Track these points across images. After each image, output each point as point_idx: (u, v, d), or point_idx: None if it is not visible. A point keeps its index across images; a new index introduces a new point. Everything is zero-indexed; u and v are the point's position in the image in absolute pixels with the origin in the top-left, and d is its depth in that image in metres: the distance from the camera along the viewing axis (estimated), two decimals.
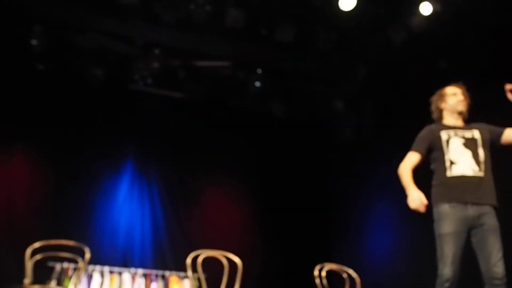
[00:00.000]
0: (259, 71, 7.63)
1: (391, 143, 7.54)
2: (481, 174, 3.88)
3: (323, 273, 5.52)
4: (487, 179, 3.90)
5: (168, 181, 8.13)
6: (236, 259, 5.22)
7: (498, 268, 3.65)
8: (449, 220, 3.80)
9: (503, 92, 4.34)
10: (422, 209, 3.79)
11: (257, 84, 7.68)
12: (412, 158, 4.10)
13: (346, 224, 8.31)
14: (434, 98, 4.32)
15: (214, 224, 8.11)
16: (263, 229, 8.35)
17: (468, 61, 6.45)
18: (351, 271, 5.72)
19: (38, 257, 5.02)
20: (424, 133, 4.17)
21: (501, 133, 4.07)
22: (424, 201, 3.78)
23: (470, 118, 4.20)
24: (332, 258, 6.81)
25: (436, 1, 6.10)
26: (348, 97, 8.07)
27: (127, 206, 7.82)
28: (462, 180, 3.86)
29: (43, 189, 7.41)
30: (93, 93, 7.72)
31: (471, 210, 3.80)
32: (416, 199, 3.80)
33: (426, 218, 6.36)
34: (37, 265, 5.11)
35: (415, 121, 7.06)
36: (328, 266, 5.66)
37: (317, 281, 5.43)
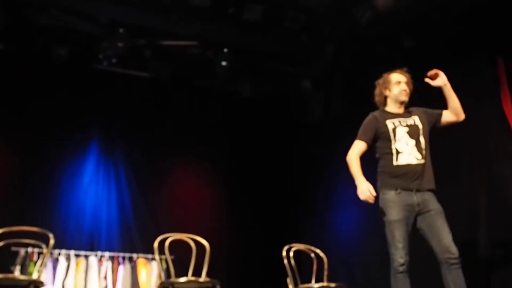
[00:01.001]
0: (226, 50, 7.56)
1: (358, 122, 7.58)
2: (423, 161, 4.09)
3: (291, 254, 5.57)
4: (427, 165, 4.12)
5: (135, 162, 8.01)
6: (204, 242, 5.21)
7: (452, 248, 3.88)
8: (396, 207, 4.01)
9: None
10: (371, 200, 4.00)
11: (224, 63, 7.62)
12: (359, 147, 4.28)
13: (314, 203, 8.35)
14: (379, 82, 4.45)
15: (182, 206, 8.06)
16: (232, 210, 8.33)
17: (433, 40, 6.51)
18: (318, 251, 5.78)
19: (0, 244, 4.94)
20: (370, 121, 4.34)
21: (439, 115, 4.28)
22: (373, 192, 3.98)
23: (409, 104, 4.36)
24: (300, 239, 6.85)
25: None
26: (316, 76, 8.06)
27: (93, 187, 7.67)
28: (408, 168, 4.06)
29: (5, 172, 7.22)
30: (56, 73, 7.53)
31: (415, 197, 4.01)
32: (365, 190, 4.00)
33: None
34: (0, 250, 5.03)
35: None
36: (296, 247, 5.71)
37: (285, 261, 5.47)
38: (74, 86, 7.77)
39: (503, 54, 5.67)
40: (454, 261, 3.83)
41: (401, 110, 4.32)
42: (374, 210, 7.04)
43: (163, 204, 8.00)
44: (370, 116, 4.37)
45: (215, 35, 7.39)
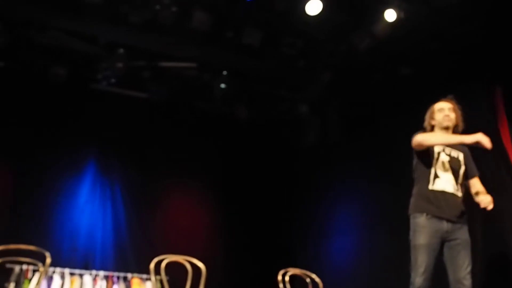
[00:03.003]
0: (224, 73, 7.63)
1: (354, 148, 7.63)
2: (459, 194, 4.12)
3: (287, 278, 5.55)
4: (463, 199, 4.12)
5: (131, 183, 8.02)
6: (200, 265, 5.19)
7: (466, 281, 3.92)
8: (424, 232, 4.01)
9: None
10: (488, 144, 3.87)
11: (223, 86, 7.68)
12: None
13: (310, 228, 8.35)
14: (426, 116, 4.45)
15: (177, 227, 8.05)
16: (227, 233, 8.33)
17: (430, 69, 6.58)
18: (314, 276, 5.77)
19: None
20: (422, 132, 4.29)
21: (471, 176, 4.27)
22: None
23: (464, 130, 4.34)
24: (296, 263, 6.84)
25: (401, 9, 6.17)
26: (313, 101, 8.13)
27: (89, 207, 7.69)
28: (442, 195, 4.07)
29: (1, 192, 7.21)
30: (55, 92, 7.57)
31: (446, 225, 4.02)
32: (479, 134, 3.89)
33: (388, 223, 6.46)
34: None
35: (379, 127, 7.22)
36: (292, 271, 5.69)
37: (281, 286, 5.46)
38: (72, 105, 7.80)
39: (501, 83, 5.65)
40: None
41: None
42: (370, 236, 7.07)
43: (159, 225, 8.00)
44: (422, 131, 4.33)
45: (213, 58, 7.47)
